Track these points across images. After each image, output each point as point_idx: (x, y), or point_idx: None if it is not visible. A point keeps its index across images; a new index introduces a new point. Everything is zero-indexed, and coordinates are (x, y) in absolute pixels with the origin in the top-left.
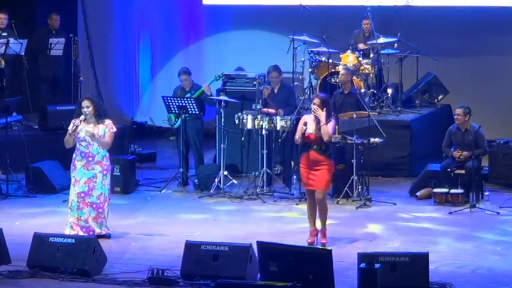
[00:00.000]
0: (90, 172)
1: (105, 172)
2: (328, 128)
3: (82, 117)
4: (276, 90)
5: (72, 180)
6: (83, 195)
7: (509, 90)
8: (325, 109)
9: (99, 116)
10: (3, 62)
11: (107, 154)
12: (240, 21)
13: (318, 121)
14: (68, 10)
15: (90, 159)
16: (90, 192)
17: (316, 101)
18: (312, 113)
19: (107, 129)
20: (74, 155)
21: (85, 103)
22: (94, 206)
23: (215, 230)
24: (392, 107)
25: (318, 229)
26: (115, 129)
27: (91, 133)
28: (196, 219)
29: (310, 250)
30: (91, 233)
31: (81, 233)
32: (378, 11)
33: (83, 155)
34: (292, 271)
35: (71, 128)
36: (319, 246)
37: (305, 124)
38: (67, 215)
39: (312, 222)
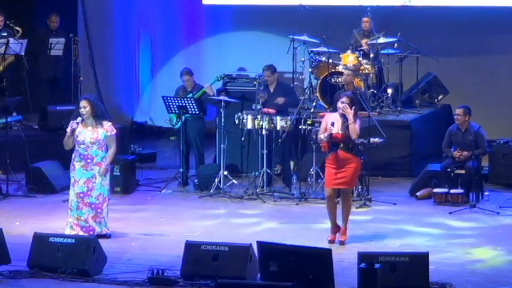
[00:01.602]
0: (89, 172)
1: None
2: (356, 127)
3: (79, 119)
4: (272, 90)
5: (72, 180)
6: (82, 195)
7: (509, 90)
8: (353, 108)
9: (97, 117)
10: (13, 58)
11: (106, 155)
12: (240, 21)
13: (343, 120)
14: (68, 10)
15: (89, 161)
16: (89, 192)
17: (345, 99)
18: (341, 111)
19: (108, 133)
20: (73, 155)
21: (82, 103)
22: (93, 206)
23: (215, 230)
24: (392, 107)
25: (340, 226)
26: (115, 131)
27: (101, 173)
28: (196, 219)
29: (310, 250)
30: (91, 232)
31: (81, 233)
32: (378, 11)
33: (81, 156)
34: (292, 271)
35: (68, 130)
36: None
37: (332, 124)
38: (67, 215)
39: (332, 219)
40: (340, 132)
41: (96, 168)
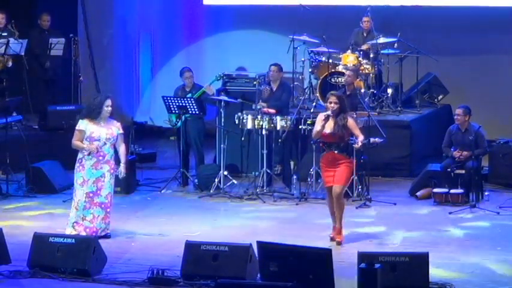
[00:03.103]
0: (98, 171)
1: (112, 171)
2: (361, 141)
3: (97, 143)
4: (274, 89)
5: (81, 180)
6: (91, 195)
7: (509, 90)
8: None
9: (112, 116)
10: (10, 62)
11: (114, 154)
12: (240, 21)
13: (336, 120)
14: (68, 10)
15: (100, 158)
16: (98, 191)
17: (332, 98)
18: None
19: (119, 131)
20: (79, 156)
21: (109, 102)
22: (102, 206)
23: (215, 230)
24: (392, 107)
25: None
26: (122, 131)
27: (123, 174)
28: (196, 219)
29: (310, 250)
30: (93, 234)
31: (83, 233)
32: (378, 11)
33: (93, 154)
34: (292, 271)
35: (92, 148)
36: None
37: (326, 120)
38: (68, 214)
39: (334, 219)
40: (328, 132)
41: (106, 167)
